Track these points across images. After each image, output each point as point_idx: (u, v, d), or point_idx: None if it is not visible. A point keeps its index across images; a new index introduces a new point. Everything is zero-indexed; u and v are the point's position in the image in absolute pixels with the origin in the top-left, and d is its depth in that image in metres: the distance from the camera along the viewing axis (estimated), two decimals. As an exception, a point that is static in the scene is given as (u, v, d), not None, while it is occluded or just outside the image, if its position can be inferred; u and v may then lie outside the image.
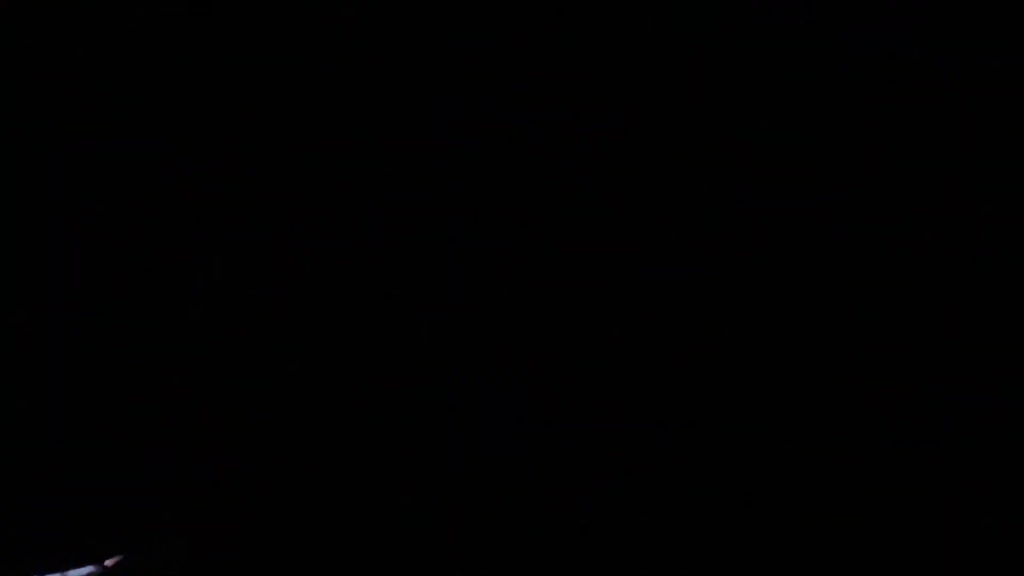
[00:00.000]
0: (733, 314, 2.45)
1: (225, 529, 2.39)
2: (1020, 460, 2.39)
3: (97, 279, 2.38)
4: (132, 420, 2.39)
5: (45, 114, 2.36)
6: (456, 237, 2.45)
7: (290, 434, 2.42)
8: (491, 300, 2.45)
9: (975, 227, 2.43)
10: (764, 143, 2.45)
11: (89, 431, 2.37)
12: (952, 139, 2.43)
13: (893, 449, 2.40)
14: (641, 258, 2.46)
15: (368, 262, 2.45)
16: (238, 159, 2.42)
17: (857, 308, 2.44)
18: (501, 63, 2.43)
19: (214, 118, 2.41)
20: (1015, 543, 2.36)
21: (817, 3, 2.42)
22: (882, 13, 2.41)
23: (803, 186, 2.45)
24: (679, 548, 2.39)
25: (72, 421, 2.36)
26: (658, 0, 2.43)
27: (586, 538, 2.40)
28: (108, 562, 2.27)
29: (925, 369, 2.42)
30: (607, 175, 2.46)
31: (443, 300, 2.45)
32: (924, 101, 2.43)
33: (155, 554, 2.34)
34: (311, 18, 2.41)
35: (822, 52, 2.43)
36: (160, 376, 2.40)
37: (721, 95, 2.45)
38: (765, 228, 2.45)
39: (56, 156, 2.37)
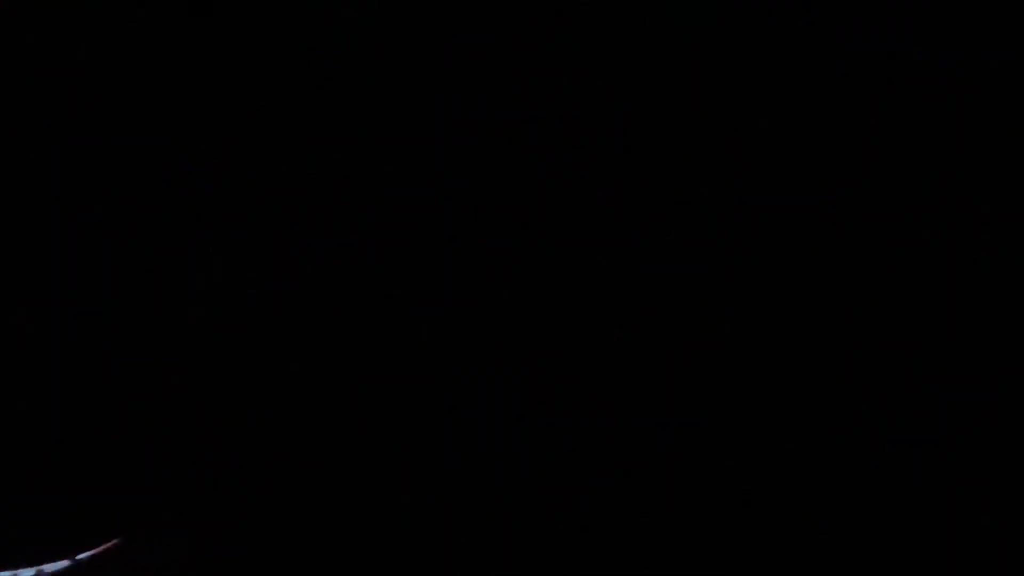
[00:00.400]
0: (733, 314, 2.45)
1: (225, 529, 2.39)
2: (1020, 460, 2.39)
3: (97, 279, 2.38)
4: (132, 420, 2.39)
5: (45, 114, 2.36)
6: (456, 237, 2.45)
7: (290, 434, 2.42)
8: (491, 300, 2.45)
9: (975, 227, 2.43)
10: (764, 143, 2.45)
11: (89, 431, 2.37)
12: (952, 139, 2.43)
13: (893, 449, 2.40)
14: (641, 258, 2.46)
15: (368, 262, 2.45)
16: (238, 159, 2.42)
17: (857, 308, 2.44)
18: (501, 63, 2.43)
19: (214, 118, 2.41)
20: (1015, 543, 2.36)
21: (817, 3, 2.42)
22: (882, 13, 2.42)
23: (803, 186, 2.45)
24: (679, 548, 2.39)
25: (72, 421, 2.36)
26: (658, 0, 2.43)
27: (586, 538, 2.40)
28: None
29: (925, 369, 2.42)
30: (607, 175, 2.46)
31: (443, 300, 2.45)
32: (924, 101, 2.43)
33: (155, 554, 2.34)
34: (311, 18, 2.41)
35: (822, 52, 2.43)
36: (160, 376, 2.40)
37: (721, 95, 2.45)
38: (765, 228, 2.45)
39: (56, 156, 2.37)
